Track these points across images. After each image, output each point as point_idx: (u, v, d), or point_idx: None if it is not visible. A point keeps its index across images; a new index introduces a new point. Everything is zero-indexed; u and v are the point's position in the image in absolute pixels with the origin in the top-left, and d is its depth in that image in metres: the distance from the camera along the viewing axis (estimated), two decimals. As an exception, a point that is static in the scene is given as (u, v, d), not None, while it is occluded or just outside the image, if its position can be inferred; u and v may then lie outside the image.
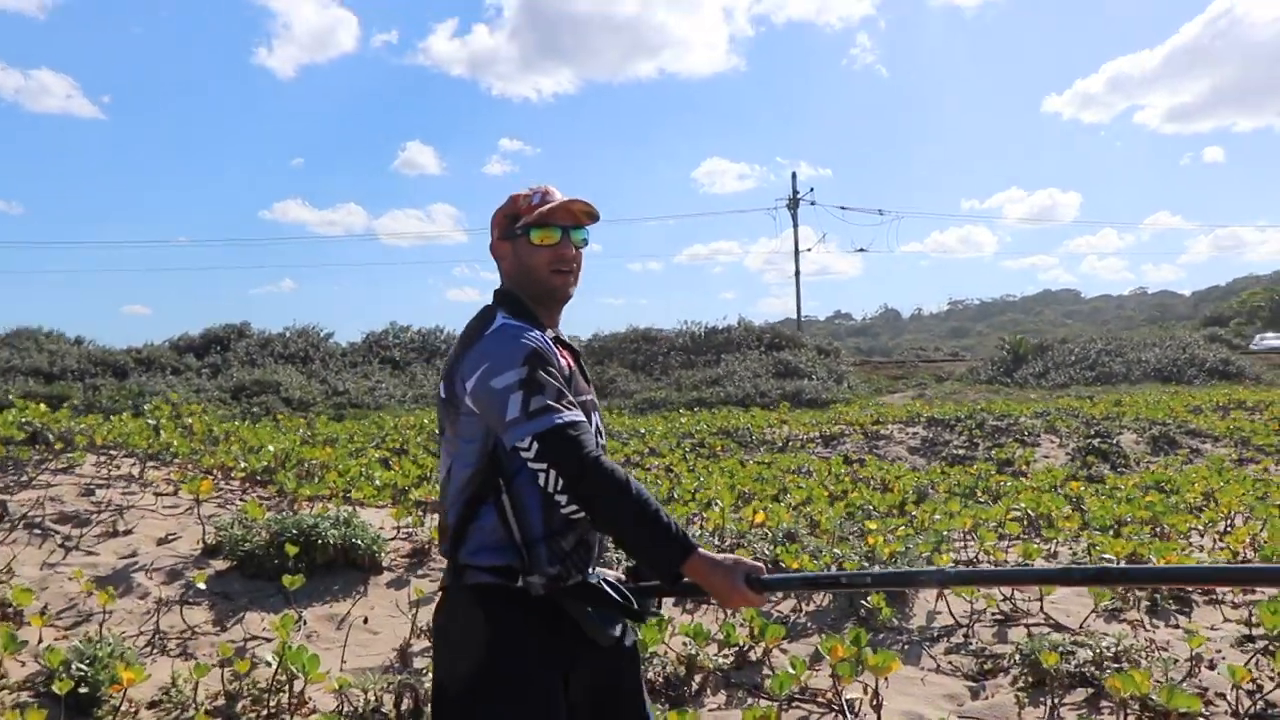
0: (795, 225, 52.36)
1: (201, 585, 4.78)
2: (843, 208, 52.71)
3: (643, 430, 15.63)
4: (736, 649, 4.53)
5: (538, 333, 2.29)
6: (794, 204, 52.46)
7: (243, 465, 7.32)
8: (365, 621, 4.86)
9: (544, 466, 2.14)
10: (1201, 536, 6.76)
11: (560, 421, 2.13)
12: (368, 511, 6.58)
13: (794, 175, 55.72)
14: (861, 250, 55.47)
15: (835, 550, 5.58)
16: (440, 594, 2.35)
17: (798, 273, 52.17)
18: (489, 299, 2.46)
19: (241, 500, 6.69)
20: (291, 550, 5.00)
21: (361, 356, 37.11)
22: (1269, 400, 18.37)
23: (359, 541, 5.31)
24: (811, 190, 53.08)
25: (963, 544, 6.43)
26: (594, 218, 2.48)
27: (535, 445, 2.12)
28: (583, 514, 2.19)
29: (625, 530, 2.14)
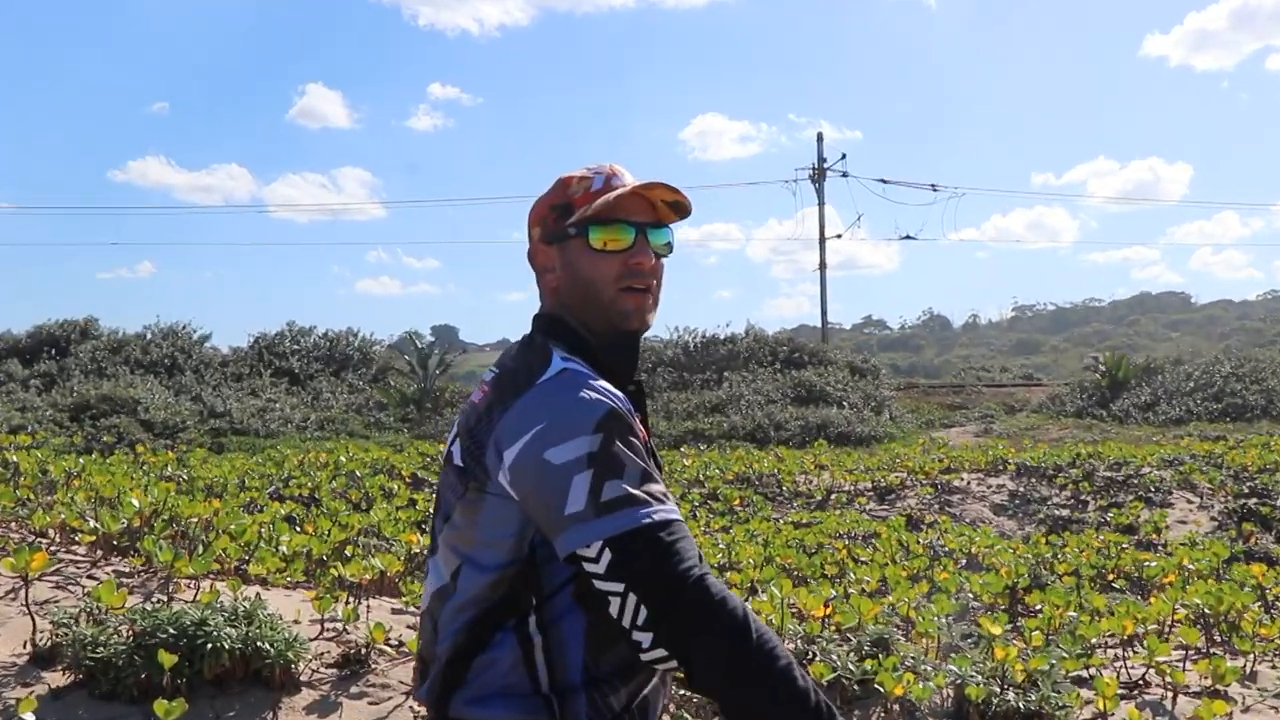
0: (821, 203, 52.13)
1: (27, 717, 4.30)
2: (883, 180, 51.55)
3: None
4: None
5: (607, 384, 2.11)
6: (819, 175, 52.25)
7: (92, 526, 6.83)
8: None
9: (618, 588, 1.91)
10: None
11: (650, 520, 1.93)
12: (274, 595, 6.11)
13: (819, 137, 54.54)
14: (908, 238, 55.28)
15: (950, 666, 5.16)
16: None
17: (823, 265, 52.00)
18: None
19: (91, 580, 6.21)
20: (168, 660, 4.52)
21: (249, 367, 36.86)
22: None
23: (267, 646, 4.85)
24: (843, 158, 52.86)
25: (1118, 656, 6.01)
26: (683, 211, 2.33)
27: (608, 555, 1.91)
28: (666, 662, 1.94)
29: (741, 697, 1.89)
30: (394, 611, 6.17)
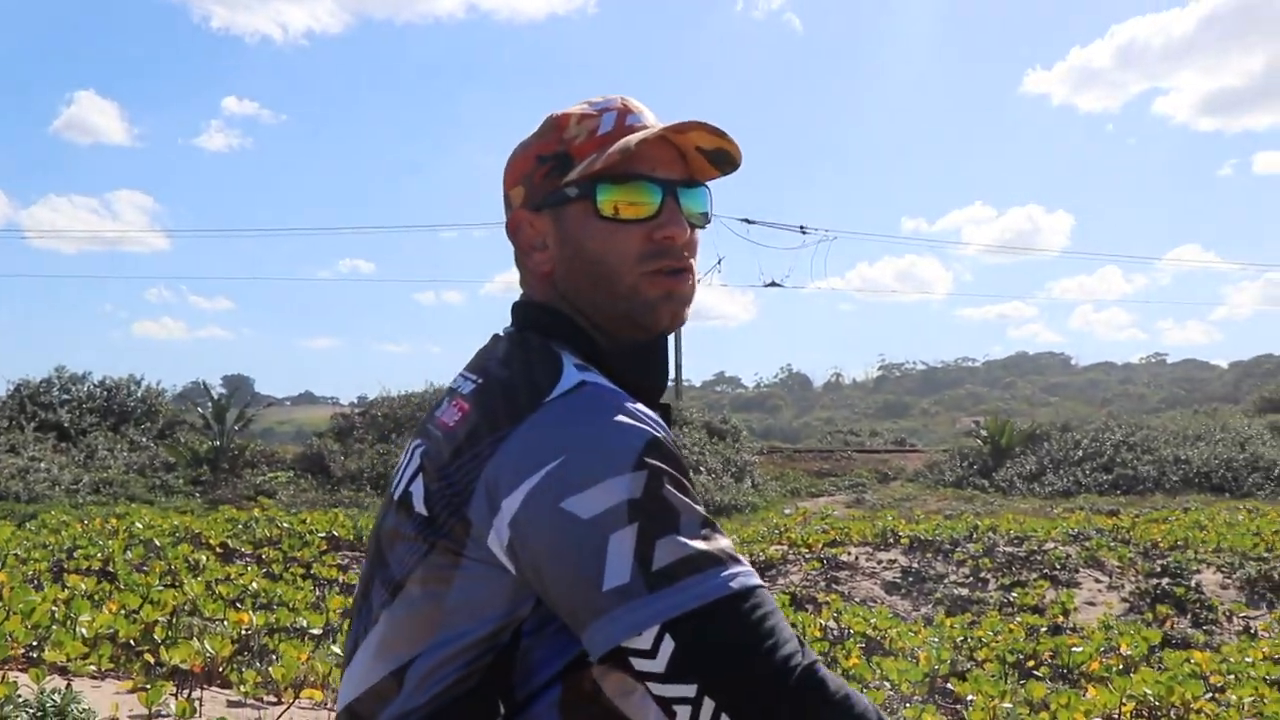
0: (679, 242, 52.58)
1: None
2: (747, 220, 52.02)
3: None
4: None
5: (642, 406, 1.65)
6: (675, 212, 52.73)
7: None
8: None
9: (688, 691, 1.44)
10: None
11: (730, 590, 1.47)
12: (82, 686, 5.74)
13: (679, 175, 55.57)
14: (774, 284, 55.92)
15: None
16: None
17: (679, 311, 52.33)
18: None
19: None
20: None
21: (8, 419, 35.45)
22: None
23: (79, 748, 4.52)
24: (700, 193, 53.22)
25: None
26: (728, 162, 1.85)
27: (670, 644, 1.43)
28: None
29: None
30: (230, 704, 5.84)
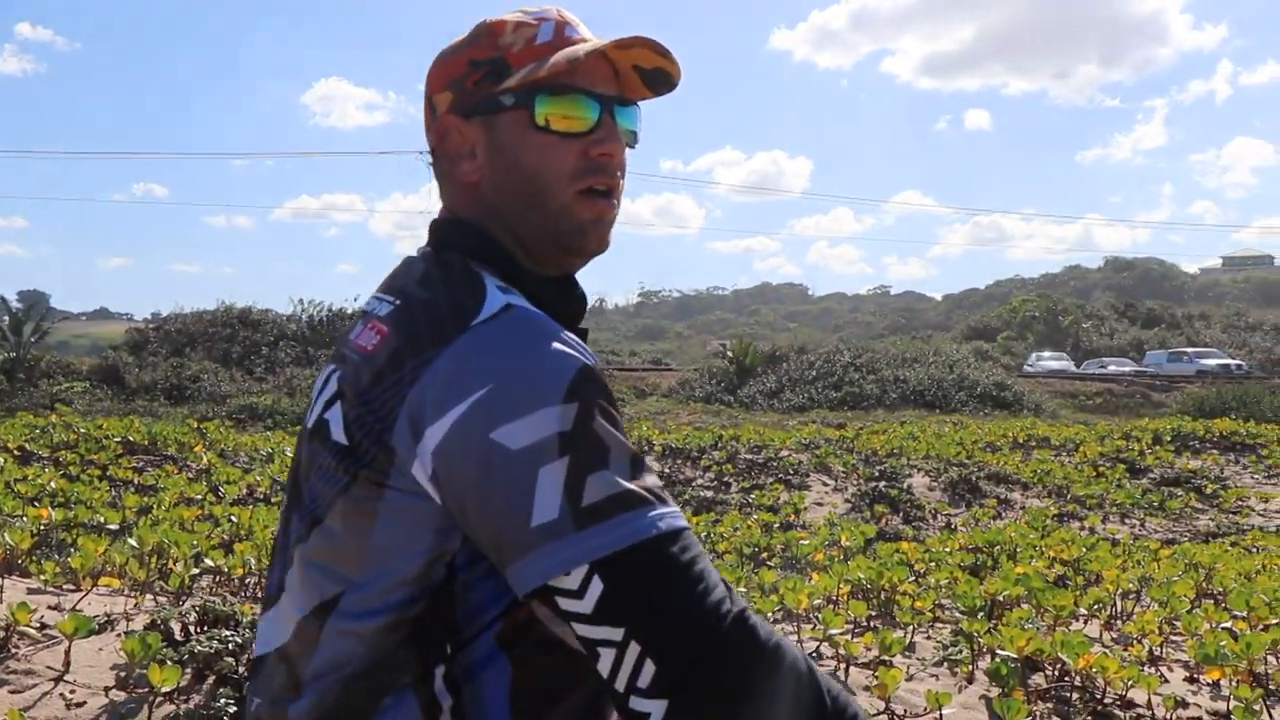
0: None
1: None
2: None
3: (257, 454, 14.75)
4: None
5: (568, 333, 1.49)
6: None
7: None
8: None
9: (614, 634, 1.29)
10: (1084, 623, 6.98)
11: (658, 530, 1.32)
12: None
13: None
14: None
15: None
16: None
17: (457, 240, 51.92)
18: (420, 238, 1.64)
19: None
20: None
21: None
22: (1075, 437, 20.01)
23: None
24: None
25: (793, 629, 6.27)
26: (664, 82, 1.70)
27: (599, 585, 1.29)
28: None
29: None
30: (30, 591, 5.70)
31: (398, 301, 1.56)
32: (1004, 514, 14.07)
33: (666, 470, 15.25)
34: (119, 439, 13.77)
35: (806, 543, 9.23)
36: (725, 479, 15.01)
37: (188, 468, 13.37)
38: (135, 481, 11.72)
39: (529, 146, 1.59)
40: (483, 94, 1.60)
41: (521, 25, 1.60)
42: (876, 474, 15.25)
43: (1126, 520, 13.94)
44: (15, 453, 12.40)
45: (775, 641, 1.32)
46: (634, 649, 1.28)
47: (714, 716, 1.28)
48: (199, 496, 10.31)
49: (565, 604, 1.31)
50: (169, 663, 4.44)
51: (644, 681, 1.28)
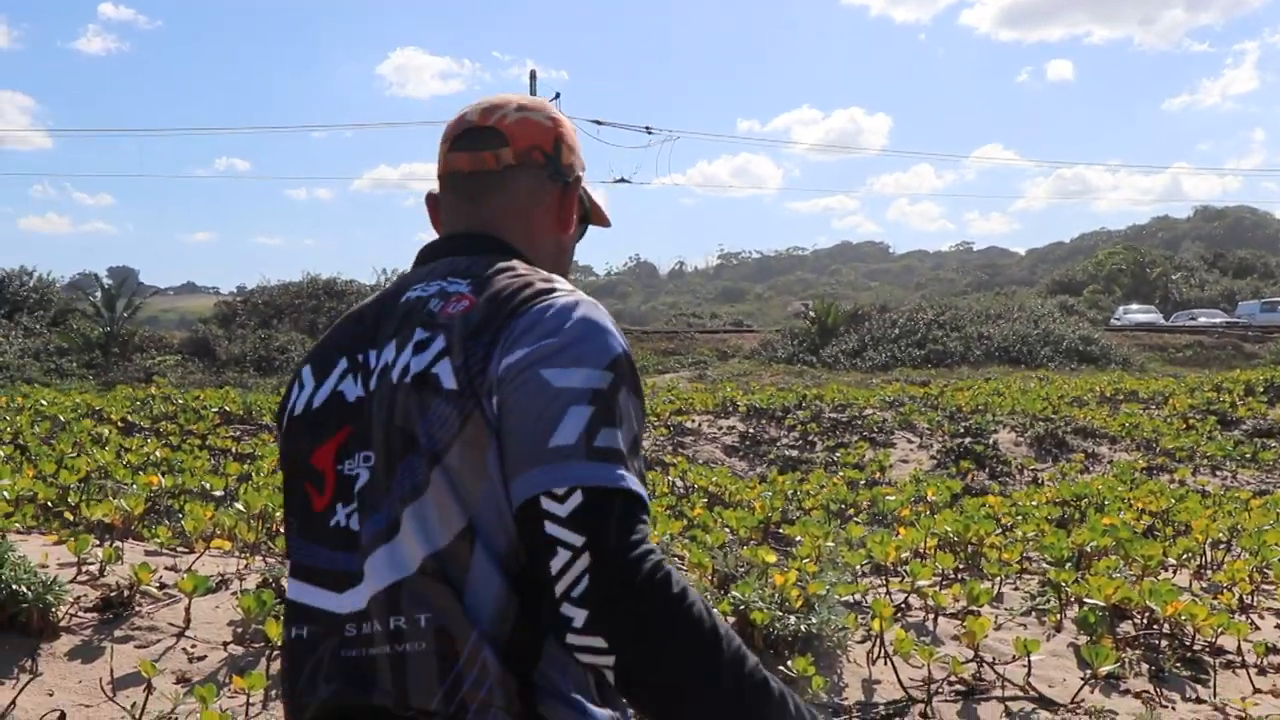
0: (536, 143, 51.95)
1: None
2: (597, 122, 51.46)
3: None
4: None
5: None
6: (532, 113, 52.00)
7: None
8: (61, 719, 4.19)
9: (576, 540, 1.53)
10: (1174, 573, 7.02)
11: (629, 488, 1.58)
12: (11, 539, 5.80)
13: (532, 76, 54.92)
14: (623, 181, 55.75)
15: (734, 594, 5.37)
16: None
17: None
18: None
19: None
20: (-93, 606, 4.27)
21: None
22: (1164, 390, 19.85)
23: (24, 589, 4.61)
24: (557, 97, 52.66)
25: (880, 582, 6.38)
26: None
27: (579, 500, 1.55)
28: (592, 654, 1.54)
29: (700, 696, 1.54)
30: (148, 553, 5.96)
31: (474, 281, 1.82)
32: (1091, 468, 14.03)
33: (750, 430, 15.35)
34: (216, 409, 14.12)
35: (893, 498, 9.30)
36: (810, 438, 15.09)
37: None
38: (233, 450, 12.03)
39: (569, 220, 2.06)
40: (558, 170, 2.01)
41: (573, 135, 2.08)
42: (962, 430, 15.25)
43: (1218, 472, 13.84)
44: (119, 424, 12.75)
45: (684, 587, 1.53)
46: (584, 559, 1.51)
47: (624, 634, 1.50)
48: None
49: (547, 504, 1.55)
50: (271, 618, 4.65)
51: (577, 591, 1.51)
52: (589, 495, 1.53)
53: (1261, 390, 19.28)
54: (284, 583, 5.21)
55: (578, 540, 1.51)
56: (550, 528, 1.53)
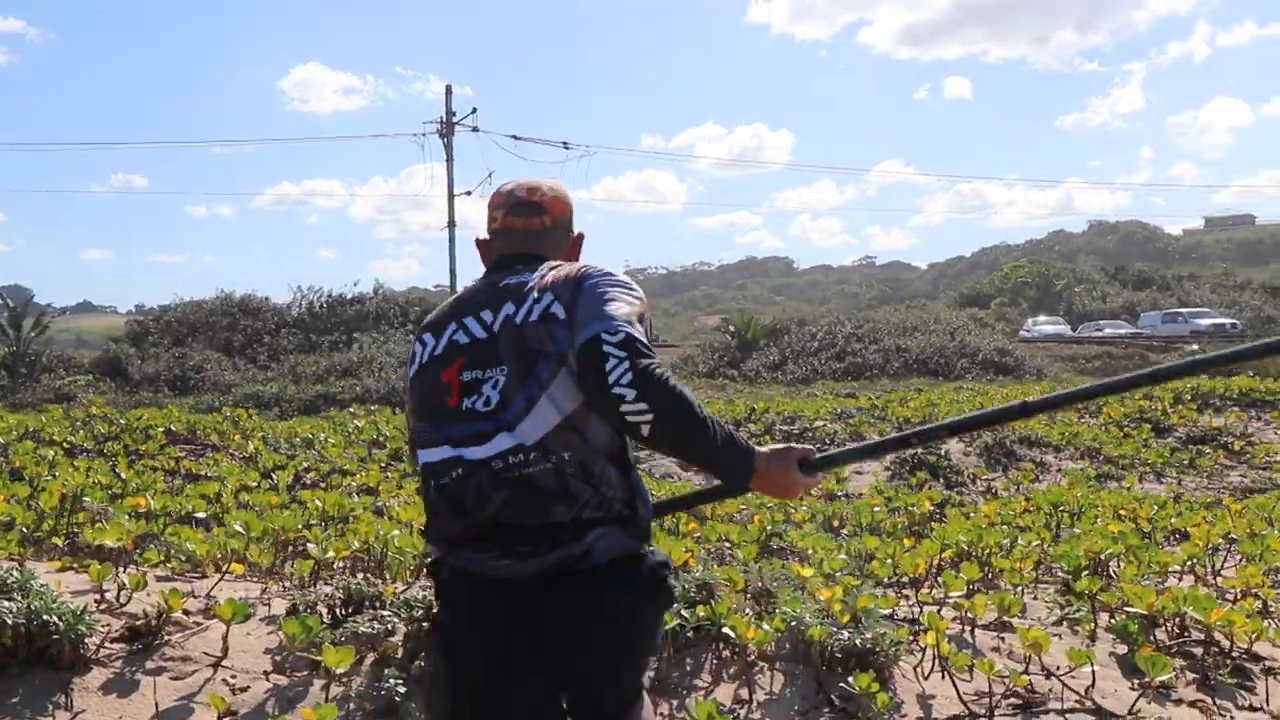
0: (450, 159, 51.36)
1: None
2: (515, 137, 51.42)
3: (297, 439, 14.76)
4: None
5: None
6: (448, 129, 51.53)
7: None
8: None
9: (621, 354, 2.71)
10: (1179, 579, 7.02)
11: (645, 340, 2.82)
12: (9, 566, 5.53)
13: (449, 90, 53.78)
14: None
15: (784, 609, 5.28)
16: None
17: (452, 223, 51.45)
18: None
19: None
20: (-54, 641, 4.00)
21: None
22: (1097, 400, 20.06)
23: (54, 620, 4.35)
24: (474, 112, 52.48)
25: (910, 597, 6.30)
26: None
27: (624, 336, 2.75)
28: (639, 415, 2.68)
29: (699, 437, 2.76)
30: (159, 579, 5.70)
31: (554, 268, 3.05)
32: (1041, 477, 14.13)
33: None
34: (162, 429, 13.75)
35: (878, 509, 9.28)
36: (763, 451, 15.03)
37: (231, 455, 13.36)
38: (182, 470, 11.69)
39: (579, 249, 3.38)
40: (571, 226, 3.35)
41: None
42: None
43: (1162, 479, 14.00)
44: (64, 447, 12.36)
45: (675, 381, 2.75)
46: (625, 363, 2.70)
47: (656, 399, 2.67)
48: (254, 484, 10.30)
49: (605, 338, 2.73)
50: (328, 645, 4.47)
51: (625, 380, 2.68)
52: (627, 336, 2.75)
53: (1190, 398, 19.58)
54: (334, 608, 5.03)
55: (622, 354, 2.71)
56: (607, 349, 2.72)
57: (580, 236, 3.33)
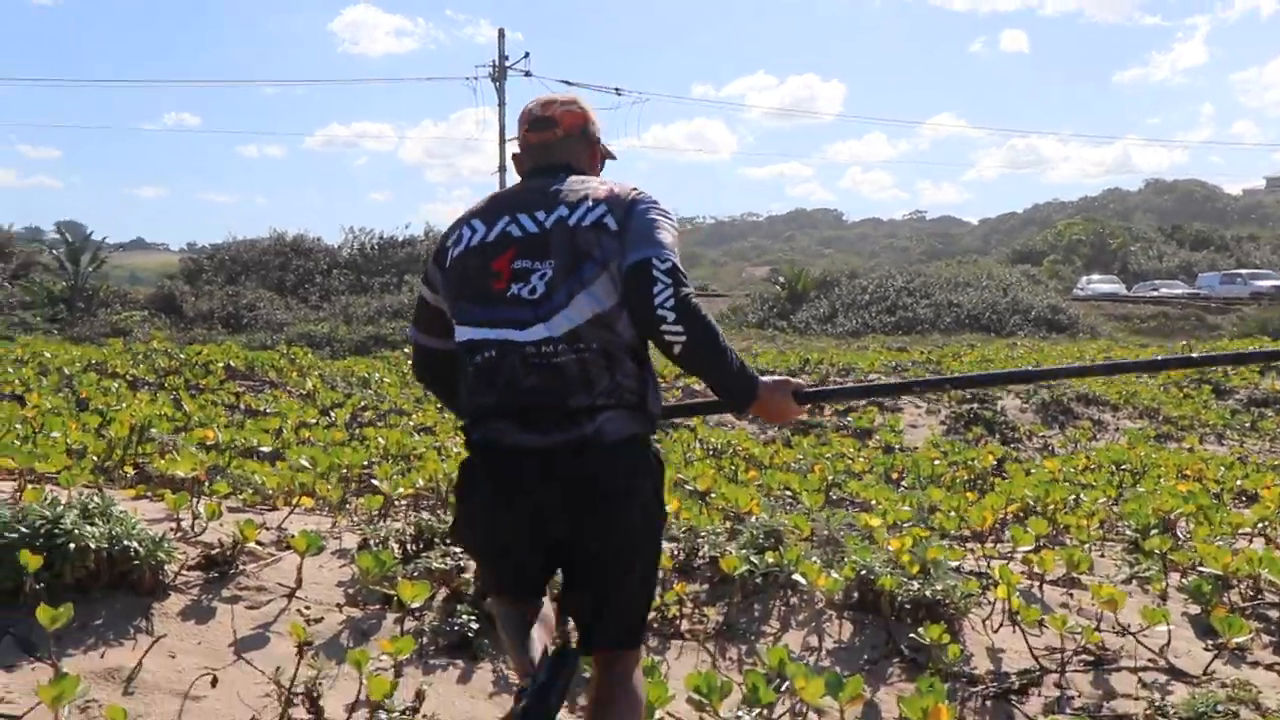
0: (502, 103, 51.14)
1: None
2: (566, 82, 51.13)
3: (352, 379, 14.83)
4: (762, 709, 4.05)
5: None
6: (500, 74, 51.30)
7: None
8: (214, 685, 3.97)
9: (667, 280, 3.00)
10: (1249, 541, 6.92)
11: (682, 270, 3.08)
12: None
13: (501, 34, 53.59)
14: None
15: (854, 558, 5.24)
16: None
17: (503, 168, 51.06)
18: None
19: None
20: (33, 562, 4.00)
21: None
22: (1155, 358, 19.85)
23: (134, 545, 4.38)
24: (526, 56, 52.23)
25: (975, 551, 6.25)
26: None
27: (670, 264, 3.04)
28: (676, 335, 2.98)
29: (718, 363, 3.09)
30: (230, 510, 5.72)
31: (595, 180, 3.32)
32: (1098, 435, 14.00)
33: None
34: (221, 364, 13.83)
35: (938, 462, 9.22)
36: (817, 402, 14.97)
37: (289, 392, 13.43)
38: (241, 405, 11.76)
39: (599, 157, 3.57)
40: (595, 137, 3.54)
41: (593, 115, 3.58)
42: (968, 396, 15.16)
43: (1223, 441, 13.85)
44: (127, 380, 12.45)
45: (712, 320, 3.03)
46: (670, 289, 2.98)
47: (690, 323, 2.97)
48: (312, 420, 10.34)
49: (655, 262, 3.02)
50: (403, 579, 4.48)
51: (669, 304, 2.97)
52: (673, 265, 3.04)
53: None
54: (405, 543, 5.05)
55: (668, 280, 3.00)
56: (656, 273, 3.00)
57: (596, 143, 3.53)
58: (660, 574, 3.60)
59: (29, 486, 5.36)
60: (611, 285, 3.07)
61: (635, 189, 3.25)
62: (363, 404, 12.25)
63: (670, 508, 6.11)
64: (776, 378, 3.30)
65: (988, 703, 4.59)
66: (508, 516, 3.15)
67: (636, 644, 3.31)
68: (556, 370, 3.06)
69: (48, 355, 13.37)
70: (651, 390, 3.19)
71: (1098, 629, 5.04)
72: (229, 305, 39.18)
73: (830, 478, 8.07)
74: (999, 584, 5.09)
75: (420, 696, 3.96)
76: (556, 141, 3.42)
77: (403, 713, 3.86)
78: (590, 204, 3.17)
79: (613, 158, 3.62)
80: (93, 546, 4.31)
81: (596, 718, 3.22)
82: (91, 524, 4.40)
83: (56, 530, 4.28)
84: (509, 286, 3.14)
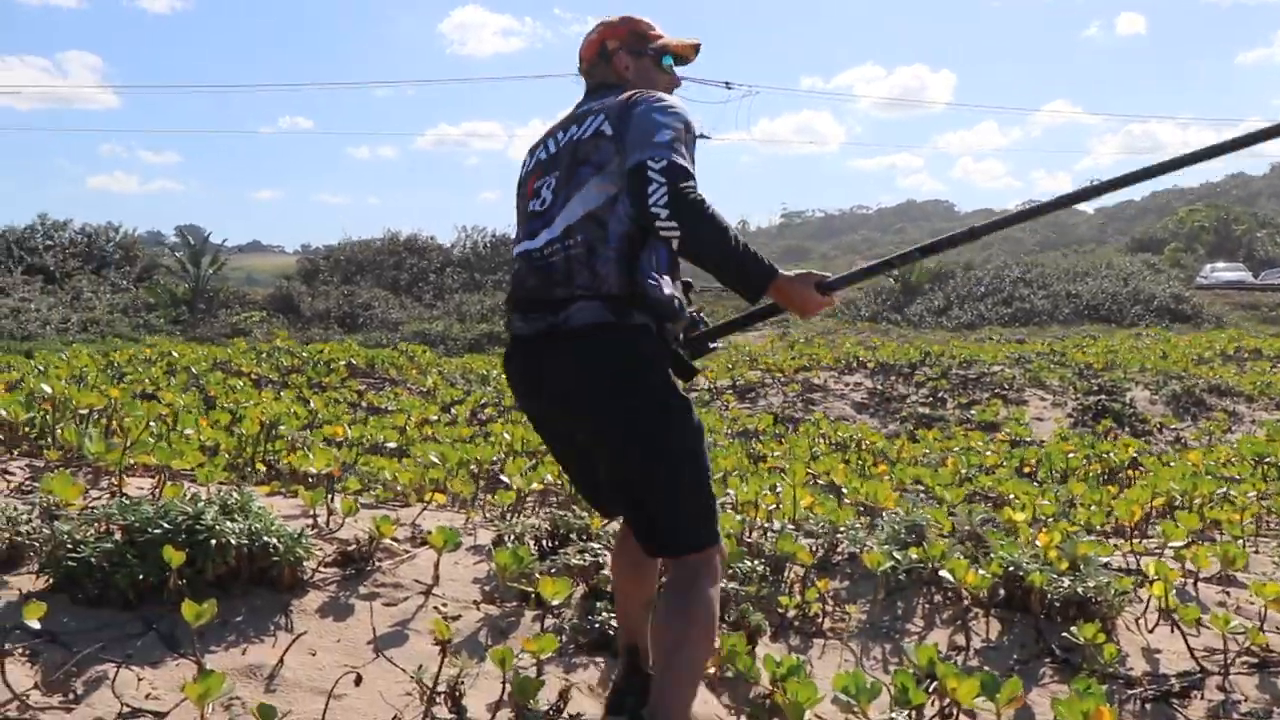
0: (613, 98, 51.69)
1: (34, 624, 3.72)
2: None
3: (474, 377, 14.87)
4: (912, 711, 3.91)
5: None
6: (609, 69, 51.69)
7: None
8: (358, 683, 3.94)
9: (661, 180, 3.11)
10: None
11: (688, 166, 3.19)
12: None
13: (606, 29, 54.57)
14: (703, 137, 55.55)
15: (1002, 554, 5.07)
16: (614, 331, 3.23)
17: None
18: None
19: (6, 476, 5.54)
20: (176, 558, 3.99)
21: (-6, 262, 34.54)
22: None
23: (274, 542, 4.37)
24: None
25: (1120, 547, 6.04)
26: (686, 61, 3.85)
27: (665, 164, 3.14)
28: (670, 230, 3.12)
29: (722, 251, 3.15)
30: (364, 506, 5.71)
31: (613, 91, 3.51)
32: (1234, 428, 13.58)
33: (879, 387, 15.02)
34: (343, 362, 13.95)
35: (1072, 455, 8.97)
36: (940, 395, 14.73)
37: (409, 389, 13.51)
38: (363, 403, 11.84)
39: (653, 74, 3.67)
40: (638, 46, 3.68)
41: (648, 23, 3.74)
42: (1095, 388, 14.83)
43: (1366, 433, 13.35)
44: (252, 378, 12.60)
45: (709, 203, 3.14)
46: (665, 188, 3.10)
47: (686, 218, 3.09)
48: (434, 417, 10.37)
49: (650, 163, 3.13)
50: (543, 576, 4.41)
51: (662, 201, 3.09)
52: (668, 163, 3.13)
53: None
54: (541, 540, 4.99)
55: (663, 179, 3.11)
56: (650, 174, 3.12)
57: (621, 55, 3.68)
58: (705, 483, 3.34)
59: (168, 483, 5.37)
60: (605, 183, 3.29)
61: (634, 92, 3.41)
62: (483, 400, 12.28)
63: (804, 502, 6.01)
64: (799, 271, 3.39)
65: (1147, 706, 4.39)
66: (527, 406, 3.60)
67: (677, 549, 3.32)
68: (550, 267, 3.33)
69: (175, 355, 13.58)
70: (647, 280, 3.26)
71: (1261, 629, 4.82)
72: (345, 304, 39.67)
73: (963, 471, 7.88)
74: (1152, 581, 4.89)
75: (565, 696, 3.88)
76: (585, 71, 3.78)
77: (547, 713, 3.79)
78: (594, 116, 3.43)
79: (686, 53, 3.79)
80: (233, 543, 4.30)
81: (652, 620, 3.47)
82: (231, 520, 4.39)
83: (198, 526, 4.28)
84: (529, 204, 3.52)
